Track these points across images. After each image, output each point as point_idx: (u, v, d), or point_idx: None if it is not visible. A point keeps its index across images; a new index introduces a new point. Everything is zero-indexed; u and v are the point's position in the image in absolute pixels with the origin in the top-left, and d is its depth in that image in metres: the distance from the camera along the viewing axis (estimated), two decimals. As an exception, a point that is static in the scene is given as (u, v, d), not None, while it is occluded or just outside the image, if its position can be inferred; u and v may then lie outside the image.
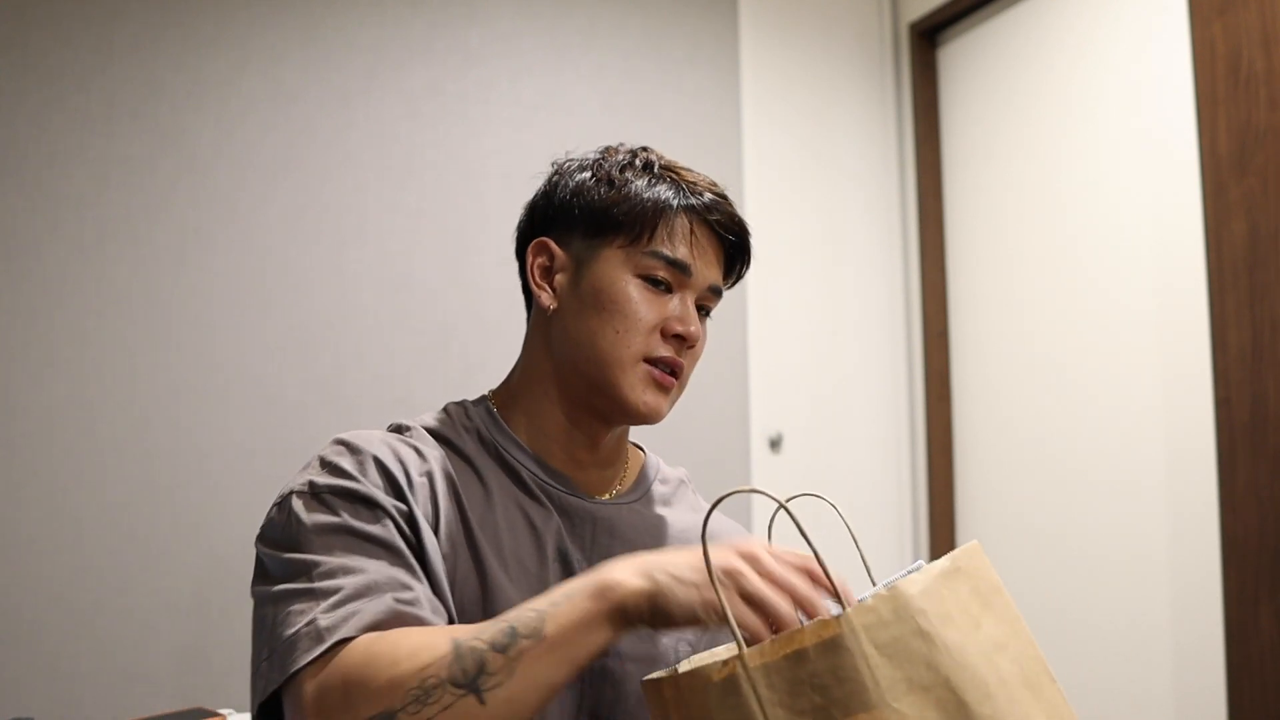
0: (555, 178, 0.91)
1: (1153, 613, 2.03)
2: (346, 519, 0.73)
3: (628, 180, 0.86)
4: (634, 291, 0.83)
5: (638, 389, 0.83)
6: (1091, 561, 2.19)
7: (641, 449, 0.99)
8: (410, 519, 0.76)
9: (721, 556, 0.64)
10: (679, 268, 0.85)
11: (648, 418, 0.85)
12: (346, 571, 0.70)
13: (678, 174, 0.88)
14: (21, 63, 1.79)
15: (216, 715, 1.44)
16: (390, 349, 2.06)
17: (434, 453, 0.83)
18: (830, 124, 2.66)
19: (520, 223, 0.94)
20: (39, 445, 1.77)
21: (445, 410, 0.91)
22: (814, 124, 2.64)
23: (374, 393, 2.04)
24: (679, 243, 0.85)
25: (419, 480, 0.80)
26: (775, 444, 2.48)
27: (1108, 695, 2.08)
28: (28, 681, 1.71)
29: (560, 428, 0.88)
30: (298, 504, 0.75)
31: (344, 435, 0.82)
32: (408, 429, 0.87)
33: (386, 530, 0.74)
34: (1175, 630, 1.98)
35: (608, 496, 0.90)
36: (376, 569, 0.71)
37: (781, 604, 0.63)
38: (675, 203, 0.85)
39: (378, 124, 2.10)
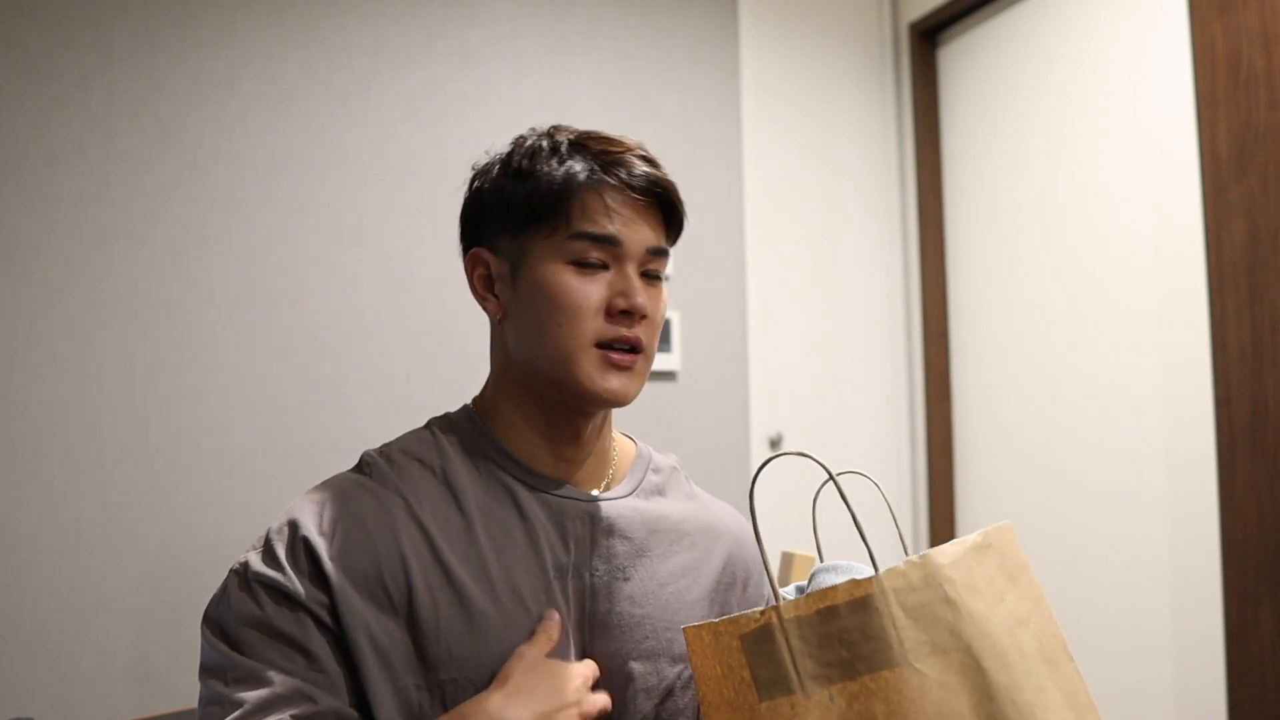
0: (476, 182, 0.89)
1: (1153, 613, 2.03)
2: (268, 615, 0.75)
3: (537, 168, 0.83)
4: (569, 279, 0.81)
5: (595, 377, 0.81)
6: (1091, 561, 2.19)
7: (633, 439, 0.98)
8: (333, 610, 0.76)
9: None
10: (607, 241, 0.82)
11: (613, 402, 0.83)
12: (256, 681, 0.73)
13: (587, 145, 0.84)
14: (21, 63, 1.79)
15: (216, 715, 1.44)
16: (390, 349, 2.06)
17: (395, 498, 0.81)
18: (830, 124, 2.66)
19: (459, 234, 0.92)
20: (39, 445, 1.77)
21: (429, 427, 0.90)
22: (814, 124, 2.64)
23: (374, 393, 2.04)
24: (598, 216, 0.81)
25: (380, 535, 0.79)
26: (775, 444, 2.48)
27: (1108, 695, 2.08)
28: (28, 681, 1.71)
29: (540, 429, 0.86)
30: (233, 586, 0.77)
31: (296, 506, 0.81)
32: (370, 465, 0.85)
33: (304, 631, 0.75)
34: (1175, 630, 1.98)
35: (602, 489, 0.89)
36: (282, 680, 0.73)
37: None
38: (583, 176, 0.82)
39: (378, 124, 2.10)
